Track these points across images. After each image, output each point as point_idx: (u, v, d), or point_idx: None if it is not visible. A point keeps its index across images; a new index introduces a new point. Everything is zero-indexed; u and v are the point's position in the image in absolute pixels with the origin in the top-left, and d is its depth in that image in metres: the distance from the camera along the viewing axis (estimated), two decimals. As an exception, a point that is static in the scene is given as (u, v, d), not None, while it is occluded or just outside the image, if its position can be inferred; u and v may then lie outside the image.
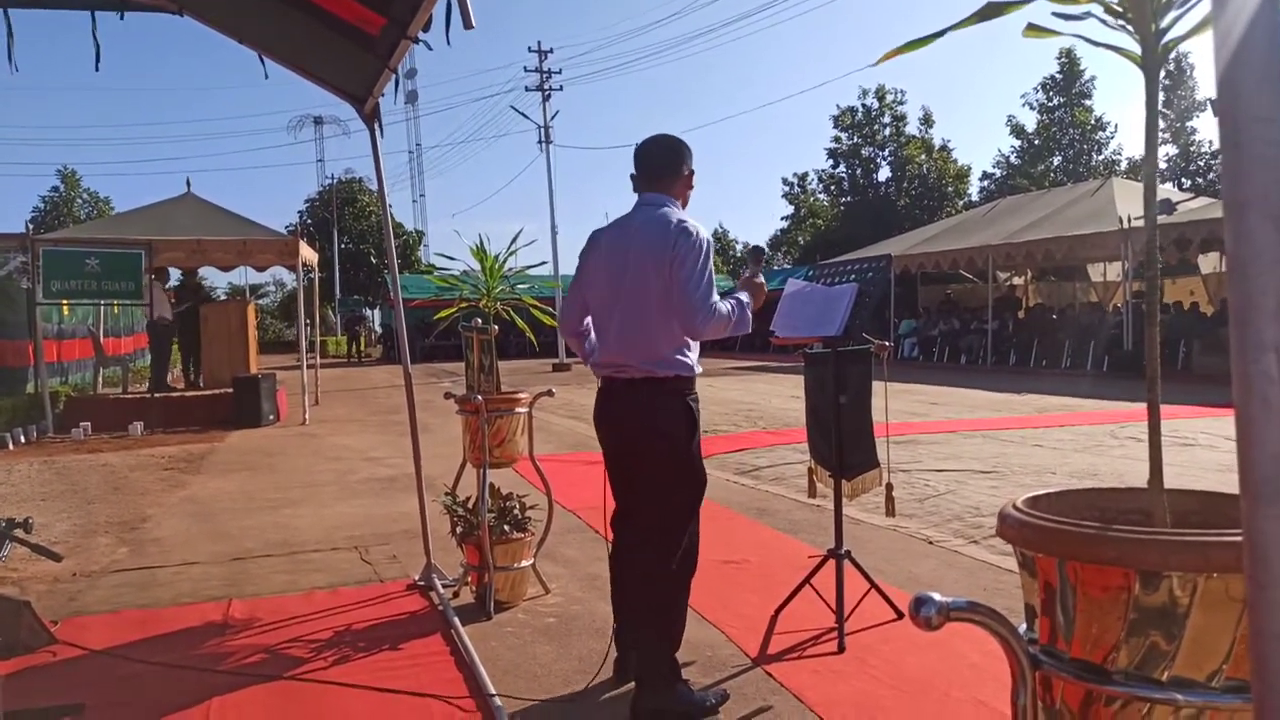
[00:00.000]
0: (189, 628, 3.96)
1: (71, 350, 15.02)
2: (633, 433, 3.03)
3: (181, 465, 8.76)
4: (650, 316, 2.95)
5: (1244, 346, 0.79)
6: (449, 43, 3.09)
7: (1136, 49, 1.35)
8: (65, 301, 13.07)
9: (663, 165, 3.12)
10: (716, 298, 2.93)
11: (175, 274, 14.04)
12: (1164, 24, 1.33)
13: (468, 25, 2.93)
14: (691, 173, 3.16)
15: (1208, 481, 6.52)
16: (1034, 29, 1.44)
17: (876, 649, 3.47)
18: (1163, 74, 1.42)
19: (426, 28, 3.34)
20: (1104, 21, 1.36)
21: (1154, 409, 1.44)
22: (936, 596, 1.24)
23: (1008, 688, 1.39)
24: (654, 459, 2.99)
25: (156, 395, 12.26)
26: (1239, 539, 1.16)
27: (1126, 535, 1.24)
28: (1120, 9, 1.34)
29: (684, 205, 3.16)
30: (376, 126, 4.59)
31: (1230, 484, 1.01)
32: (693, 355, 3.03)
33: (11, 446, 10.31)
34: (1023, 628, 1.40)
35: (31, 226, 12.70)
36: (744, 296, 3.09)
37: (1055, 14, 1.41)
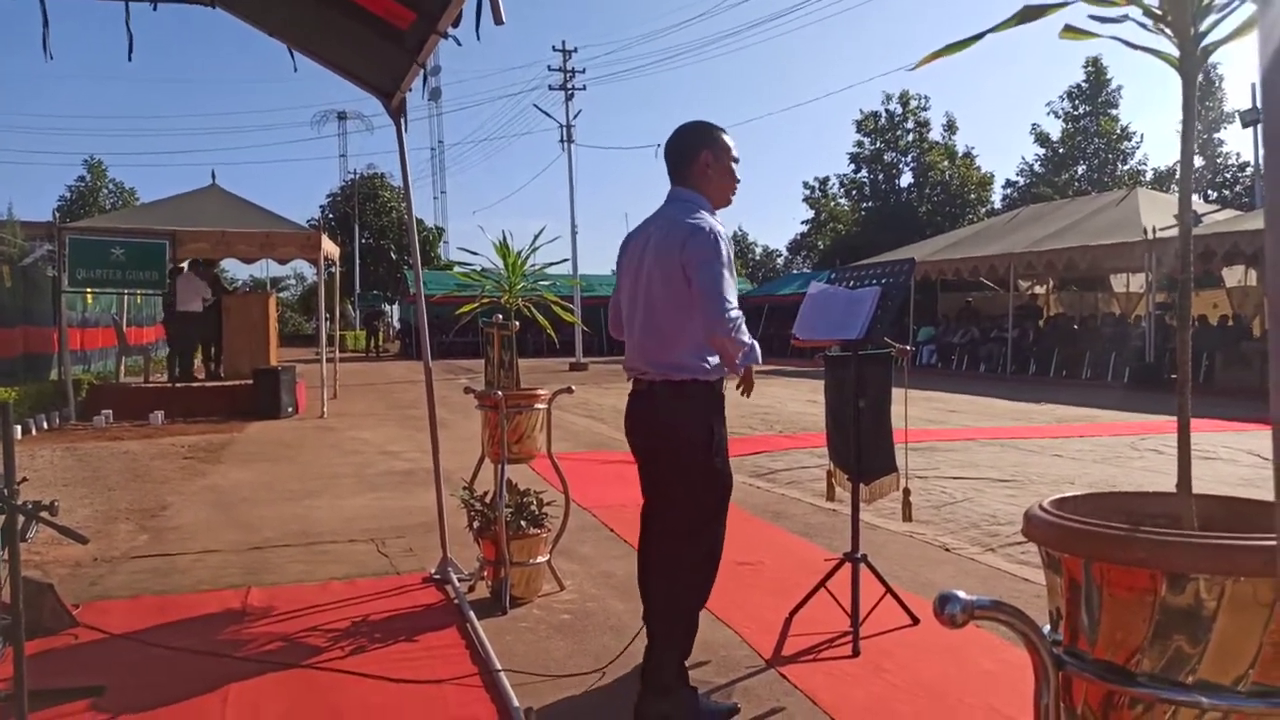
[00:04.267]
0: (208, 614, 3.99)
1: (95, 339, 15.20)
2: (651, 436, 2.99)
3: (201, 454, 8.84)
4: (664, 318, 2.88)
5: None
6: (479, 38, 3.08)
7: (1174, 52, 1.34)
8: (90, 290, 13.21)
9: (674, 156, 3.03)
10: (733, 296, 2.80)
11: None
12: (1203, 28, 1.32)
13: (498, 21, 2.94)
14: (713, 157, 2.98)
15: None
16: (1071, 30, 1.43)
17: (891, 654, 3.46)
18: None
19: (456, 23, 3.36)
20: (1142, 24, 1.36)
21: (1184, 412, 1.44)
22: (961, 594, 1.24)
23: (1022, 694, 1.39)
24: (672, 463, 2.93)
25: (178, 385, 12.36)
26: (1268, 543, 1.16)
27: (1155, 536, 1.24)
28: (1160, 12, 1.33)
29: (715, 192, 3.02)
30: (402, 122, 4.62)
31: (1250, 497, 1.01)
32: (713, 359, 2.89)
33: (35, 433, 10.43)
34: (1046, 629, 1.40)
35: (58, 215, 12.86)
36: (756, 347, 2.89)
37: (1092, 16, 1.40)
